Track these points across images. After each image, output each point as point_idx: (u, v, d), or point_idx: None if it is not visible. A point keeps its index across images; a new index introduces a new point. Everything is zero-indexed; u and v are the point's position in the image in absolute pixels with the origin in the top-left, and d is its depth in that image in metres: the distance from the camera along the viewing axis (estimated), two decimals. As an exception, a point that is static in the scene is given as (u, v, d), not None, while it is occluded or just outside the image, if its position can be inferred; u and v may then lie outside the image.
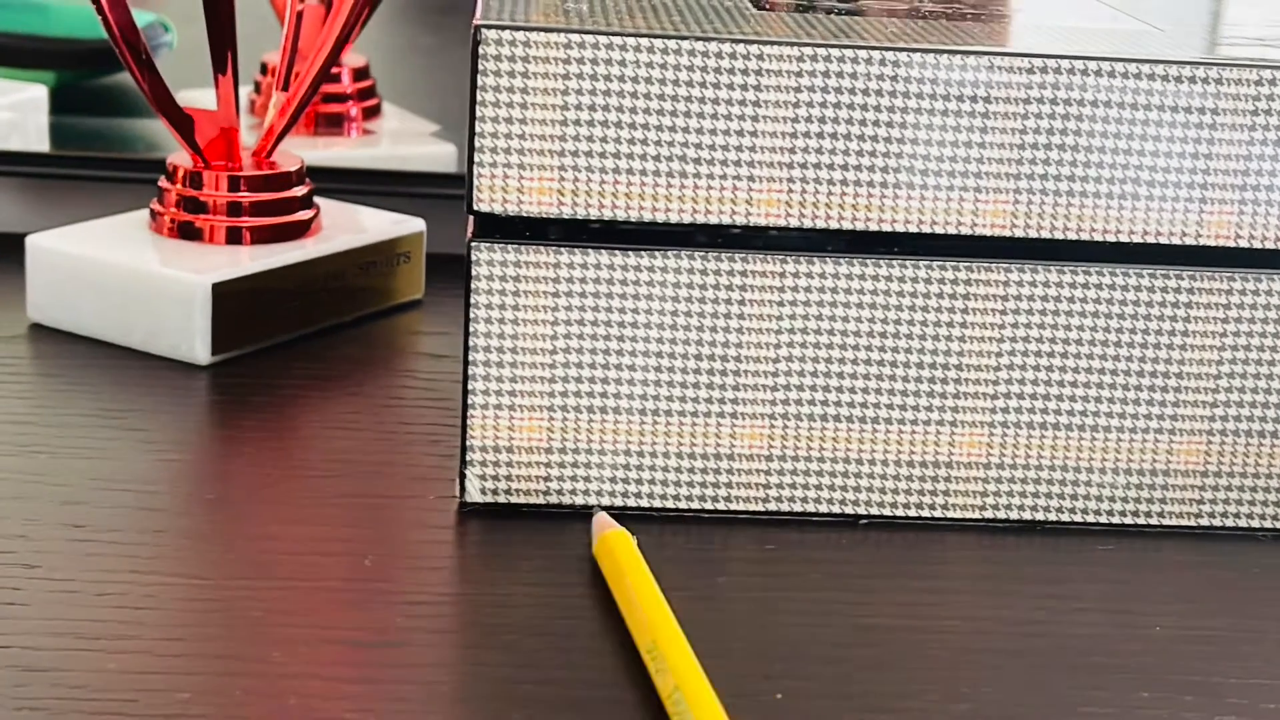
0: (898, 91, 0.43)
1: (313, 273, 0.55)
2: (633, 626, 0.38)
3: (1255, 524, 0.46)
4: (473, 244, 0.43)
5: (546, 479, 0.44)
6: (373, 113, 0.70)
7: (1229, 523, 0.46)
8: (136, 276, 0.53)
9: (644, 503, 0.45)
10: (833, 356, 0.44)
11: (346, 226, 0.58)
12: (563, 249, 0.43)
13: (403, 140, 0.71)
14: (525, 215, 0.43)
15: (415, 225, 0.59)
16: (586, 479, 0.44)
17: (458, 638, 0.39)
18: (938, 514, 0.45)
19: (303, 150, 0.60)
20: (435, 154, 0.69)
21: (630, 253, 0.43)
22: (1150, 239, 0.44)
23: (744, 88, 0.43)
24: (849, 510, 0.45)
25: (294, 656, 0.37)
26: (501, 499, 0.44)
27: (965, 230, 0.44)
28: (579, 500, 0.44)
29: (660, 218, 0.43)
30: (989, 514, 0.45)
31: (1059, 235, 0.44)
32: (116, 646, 0.37)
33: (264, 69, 0.69)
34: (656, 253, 0.43)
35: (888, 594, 0.42)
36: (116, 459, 0.46)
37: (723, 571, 0.43)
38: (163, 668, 0.36)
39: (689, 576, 0.42)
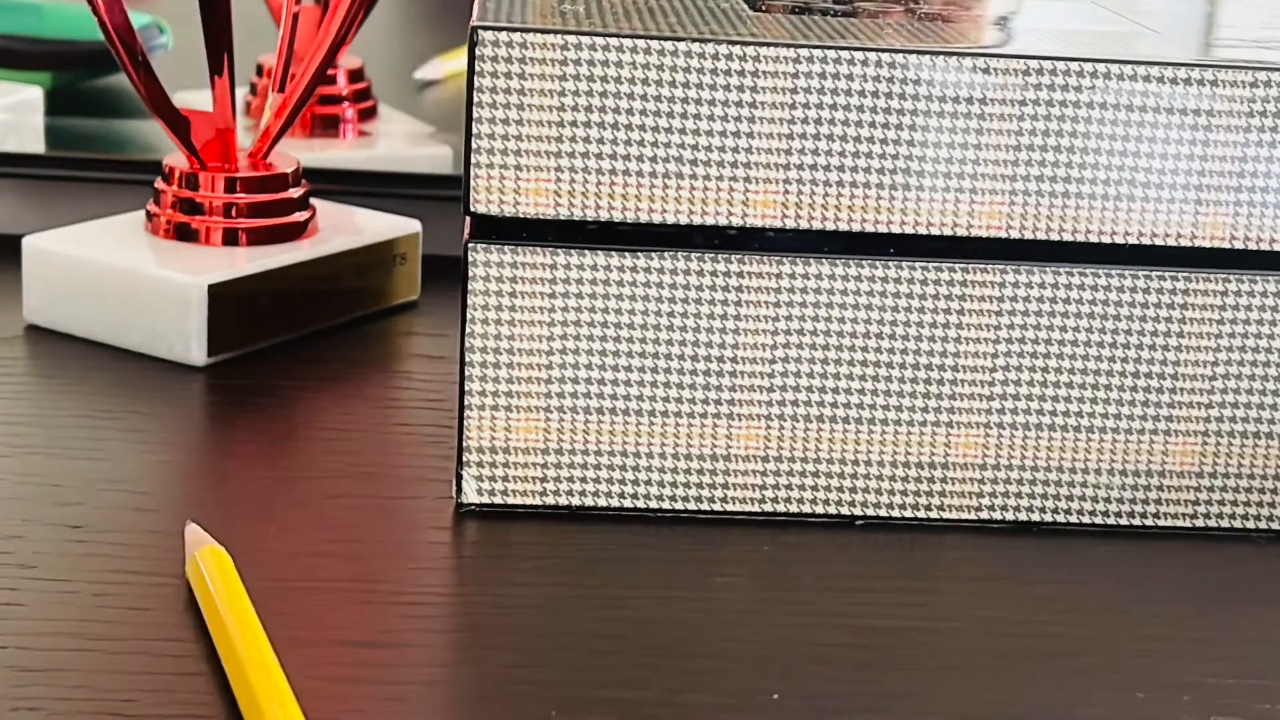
0: (894, 93, 0.43)
1: (309, 274, 0.55)
2: (222, 648, 0.36)
3: (1250, 525, 0.46)
4: (469, 245, 0.43)
5: (543, 480, 0.44)
6: (369, 114, 0.70)
7: (1224, 524, 0.46)
8: (133, 278, 0.53)
9: (640, 504, 0.45)
10: (829, 357, 0.44)
11: (343, 228, 0.58)
12: (559, 250, 0.43)
13: (399, 142, 0.71)
14: (522, 216, 0.43)
15: (411, 227, 0.59)
16: (583, 480, 0.44)
17: (454, 639, 0.39)
18: (934, 515, 0.45)
19: (299, 152, 0.60)
20: (431, 155, 0.69)
21: (627, 254, 0.43)
22: (1145, 240, 0.44)
23: (740, 89, 0.43)
24: (845, 511, 0.45)
25: (290, 657, 0.37)
26: (498, 500, 0.45)
27: (961, 231, 0.44)
28: (576, 501, 0.45)
29: (657, 219, 0.43)
30: (985, 515, 0.45)
31: (1055, 236, 0.44)
32: (114, 647, 0.37)
33: (260, 70, 0.69)
34: (653, 254, 0.43)
35: (884, 595, 0.42)
36: (113, 460, 0.46)
37: (719, 572, 0.43)
38: (160, 669, 0.36)
39: (685, 577, 0.42)
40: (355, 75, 0.70)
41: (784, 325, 0.44)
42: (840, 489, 0.45)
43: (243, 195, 0.55)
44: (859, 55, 0.43)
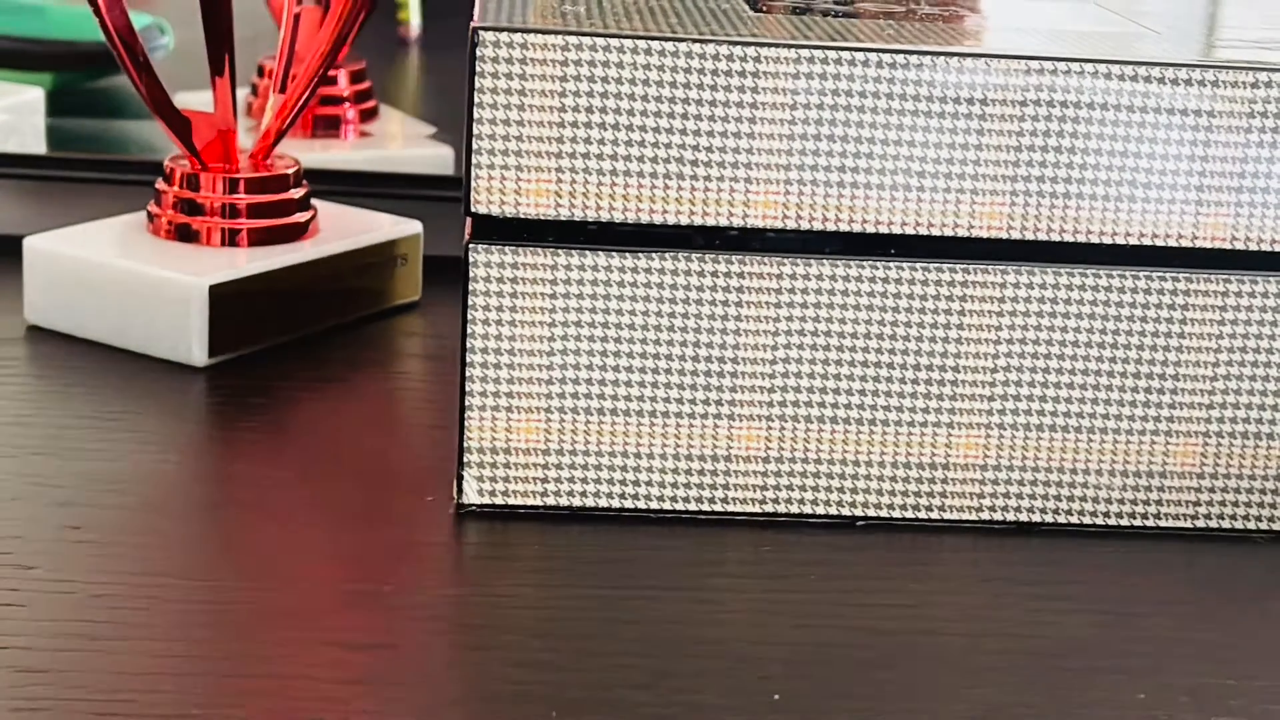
0: (894, 93, 0.43)
1: (310, 275, 0.55)
2: None
3: (1251, 525, 0.46)
4: (470, 246, 0.43)
5: (544, 481, 0.44)
6: (370, 115, 0.70)
7: (1225, 524, 0.46)
8: (134, 279, 0.53)
9: (641, 504, 0.45)
10: (830, 358, 0.44)
11: (344, 229, 0.58)
12: (560, 251, 0.43)
13: (400, 142, 0.71)
14: (523, 217, 0.43)
15: (413, 227, 0.59)
16: (584, 481, 0.44)
17: (455, 639, 0.39)
18: (934, 516, 0.45)
19: (300, 152, 0.60)
20: (432, 156, 0.69)
21: (628, 254, 0.43)
22: (1146, 241, 0.44)
23: (741, 90, 0.43)
24: (846, 512, 0.45)
25: (290, 658, 0.37)
26: (499, 501, 0.45)
27: (962, 232, 0.44)
28: (576, 502, 0.45)
29: (657, 219, 0.43)
30: (986, 515, 0.45)
31: (1055, 237, 0.44)
32: (113, 647, 0.37)
33: (261, 71, 0.69)
34: (654, 254, 0.43)
35: (885, 595, 0.42)
36: (114, 461, 0.46)
37: (719, 573, 0.43)
38: (160, 669, 0.36)
39: (686, 578, 0.42)
40: (356, 76, 0.70)
41: (784, 326, 0.44)
42: (841, 490, 0.45)
43: (244, 196, 0.55)
44: (859, 56, 0.43)
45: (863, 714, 0.37)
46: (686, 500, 0.45)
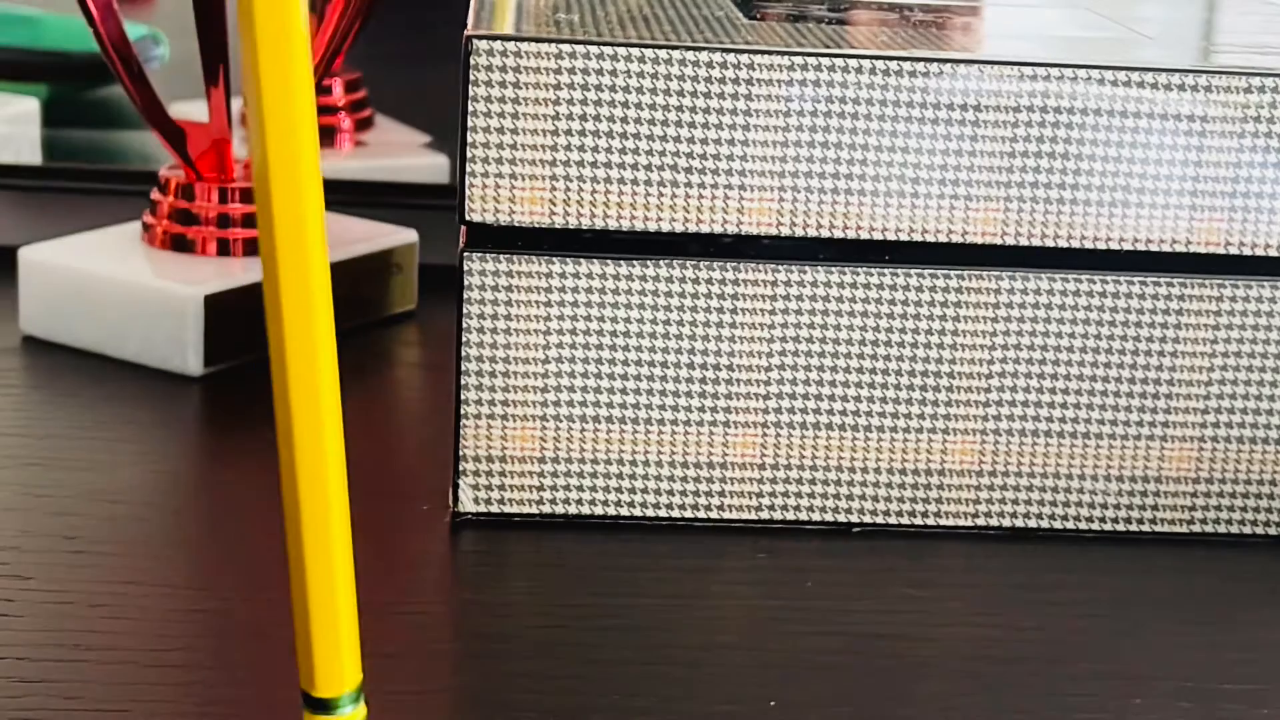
0: (888, 100, 0.43)
1: (305, 284, 0.55)
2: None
3: (1247, 530, 0.46)
4: (464, 254, 0.43)
5: (540, 488, 0.44)
6: (365, 124, 0.70)
7: (1220, 529, 0.46)
8: (129, 289, 0.53)
9: (637, 512, 0.45)
10: (825, 365, 0.44)
11: (339, 238, 0.58)
12: (555, 259, 0.43)
13: (394, 152, 0.71)
14: (517, 225, 0.43)
15: (408, 236, 0.59)
16: (580, 488, 0.44)
17: (452, 648, 0.39)
18: (930, 522, 0.45)
19: (295, 162, 0.59)
20: (427, 165, 0.69)
21: (622, 262, 0.43)
22: (1141, 246, 0.44)
23: (735, 97, 0.43)
24: (842, 518, 0.45)
25: (288, 668, 0.37)
26: (495, 509, 0.44)
27: (956, 238, 0.44)
28: (572, 510, 0.45)
29: (652, 227, 0.43)
30: (982, 521, 0.45)
31: (1050, 243, 0.44)
32: (110, 657, 0.37)
33: (256, 81, 0.69)
34: (649, 262, 0.43)
35: (880, 602, 0.42)
36: (109, 471, 0.46)
37: (716, 580, 0.43)
38: (156, 679, 0.36)
39: (682, 585, 0.42)
40: (351, 85, 0.70)
41: (780, 333, 0.44)
42: (837, 496, 0.45)
43: (239, 205, 0.55)
44: (853, 63, 0.43)
45: (859, 720, 0.37)
46: (682, 507, 0.45)
